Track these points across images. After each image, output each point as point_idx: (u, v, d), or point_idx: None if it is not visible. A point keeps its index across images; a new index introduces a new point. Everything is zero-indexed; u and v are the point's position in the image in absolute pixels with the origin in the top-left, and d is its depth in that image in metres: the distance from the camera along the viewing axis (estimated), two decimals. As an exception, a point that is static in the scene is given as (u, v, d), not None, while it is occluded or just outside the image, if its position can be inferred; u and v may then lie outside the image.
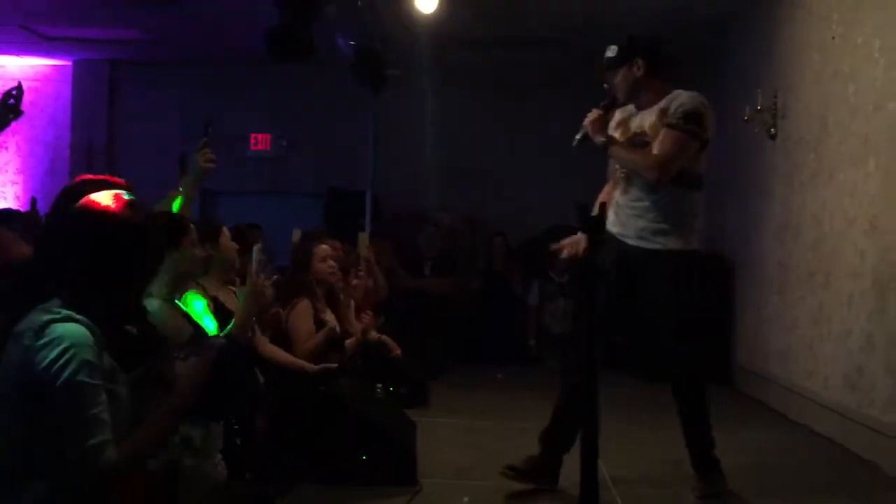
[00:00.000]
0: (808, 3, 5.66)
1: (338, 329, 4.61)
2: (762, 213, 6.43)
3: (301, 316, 4.49)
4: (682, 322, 3.67)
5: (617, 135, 3.77)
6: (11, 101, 3.57)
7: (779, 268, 6.07)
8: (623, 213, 3.76)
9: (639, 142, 3.71)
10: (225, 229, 3.95)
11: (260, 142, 9.27)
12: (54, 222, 2.15)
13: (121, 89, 9.40)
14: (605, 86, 3.84)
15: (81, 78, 9.30)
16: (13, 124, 3.72)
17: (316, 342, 4.45)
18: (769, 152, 6.21)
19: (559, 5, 7.10)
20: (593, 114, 3.77)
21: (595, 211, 3.07)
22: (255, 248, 3.41)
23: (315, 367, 4.23)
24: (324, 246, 4.74)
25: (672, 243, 3.66)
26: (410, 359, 5.92)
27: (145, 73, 9.23)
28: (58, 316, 1.89)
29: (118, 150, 9.34)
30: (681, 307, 3.66)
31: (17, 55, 9.08)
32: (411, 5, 6.43)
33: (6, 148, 9.26)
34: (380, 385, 5.23)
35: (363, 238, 6.40)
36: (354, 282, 5.74)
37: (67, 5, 7.35)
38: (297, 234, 5.60)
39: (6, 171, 9.30)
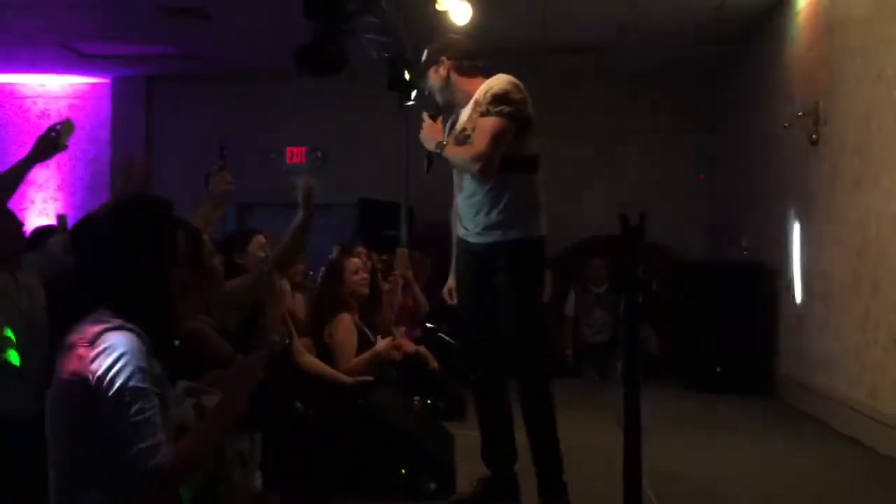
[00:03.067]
0: (847, 7, 5.55)
1: (381, 349, 4.57)
2: (804, 219, 6.31)
3: (344, 331, 4.49)
4: (520, 312, 3.51)
5: (450, 140, 3.68)
6: (53, 134, 3.55)
7: (822, 274, 5.95)
8: (463, 213, 3.69)
9: (462, 139, 3.61)
10: (260, 237, 3.85)
11: (296, 155, 9.33)
12: (85, 230, 2.16)
13: (158, 105, 9.54)
14: (426, 93, 3.80)
15: (120, 95, 9.45)
16: None
17: (360, 362, 4.44)
18: (811, 158, 6.10)
19: (592, 14, 7.06)
20: (424, 124, 3.72)
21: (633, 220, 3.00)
22: (260, 257, 3.41)
23: (351, 380, 4.24)
24: (354, 259, 4.76)
25: (512, 233, 3.54)
26: (447, 371, 5.88)
27: (182, 88, 9.36)
28: (110, 325, 1.91)
29: (157, 165, 9.45)
30: (519, 297, 3.52)
31: (57, 73, 9.25)
32: (445, 17, 6.44)
33: (47, 165, 9.33)
34: (417, 398, 5.21)
35: (402, 254, 6.37)
36: (386, 286, 5.71)
37: (105, 23, 7.47)
38: (336, 252, 5.61)
39: (47, 187, 9.45)
